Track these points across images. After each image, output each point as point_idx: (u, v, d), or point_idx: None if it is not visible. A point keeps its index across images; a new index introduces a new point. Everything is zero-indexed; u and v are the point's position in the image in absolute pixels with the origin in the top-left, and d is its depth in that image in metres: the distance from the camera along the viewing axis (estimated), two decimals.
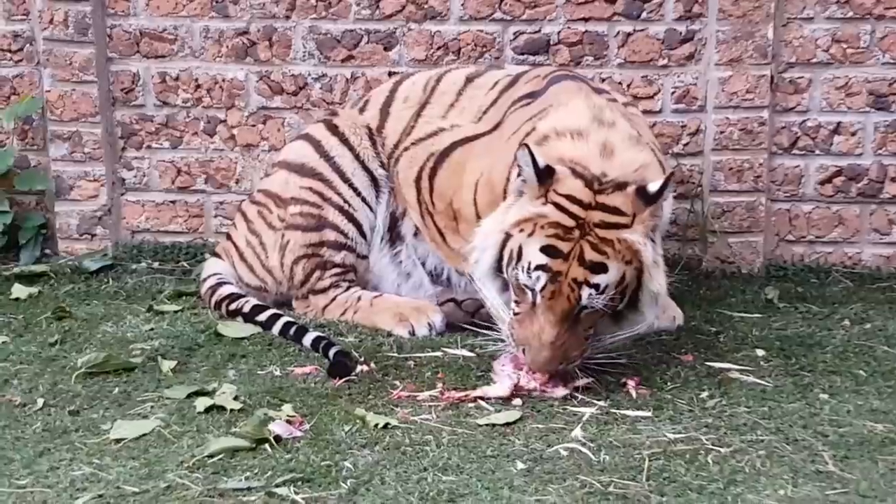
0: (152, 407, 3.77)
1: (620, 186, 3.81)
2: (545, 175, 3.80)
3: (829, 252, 5.44)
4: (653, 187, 3.78)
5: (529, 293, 3.78)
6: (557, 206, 3.78)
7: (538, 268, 3.74)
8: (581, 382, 3.86)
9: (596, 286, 3.72)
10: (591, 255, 3.73)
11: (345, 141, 4.83)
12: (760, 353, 4.27)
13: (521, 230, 3.82)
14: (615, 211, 3.77)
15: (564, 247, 3.74)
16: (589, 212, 3.76)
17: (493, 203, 4.21)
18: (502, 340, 3.97)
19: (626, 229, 3.77)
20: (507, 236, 3.86)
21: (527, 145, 3.81)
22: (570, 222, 3.76)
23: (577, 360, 3.81)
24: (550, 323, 3.73)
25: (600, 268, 3.72)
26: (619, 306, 3.83)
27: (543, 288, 3.73)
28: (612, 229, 3.76)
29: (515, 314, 3.86)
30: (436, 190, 4.63)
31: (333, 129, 4.87)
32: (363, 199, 4.79)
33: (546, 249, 3.75)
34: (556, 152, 3.90)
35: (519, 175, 3.87)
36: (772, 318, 4.73)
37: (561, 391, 3.82)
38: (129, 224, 5.65)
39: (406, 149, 4.75)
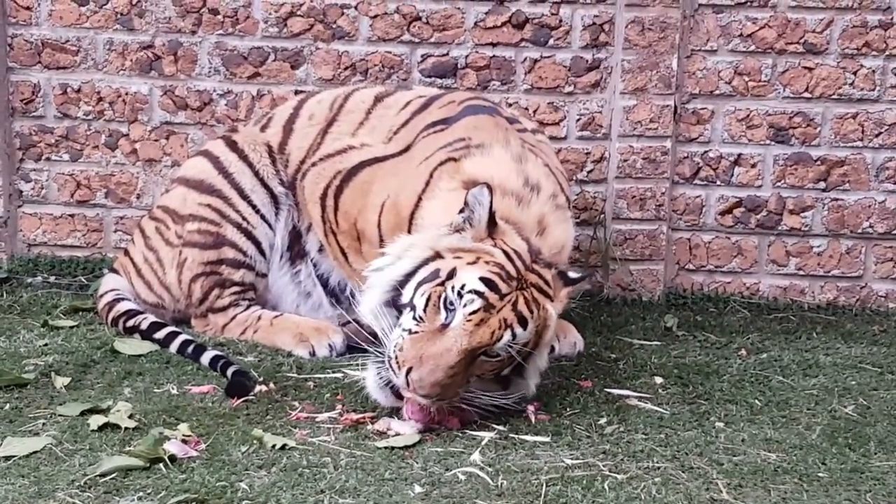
0: (44, 424, 3.69)
1: (547, 265, 3.88)
2: (493, 222, 3.80)
3: (727, 282, 5.51)
4: (574, 274, 3.92)
5: (444, 314, 3.65)
6: (507, 254, 3.77)
7: (473, 291, 3.65)
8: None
9: (515, 335, 3.69)
10: (522, 307, 3.72)
11: (244, 158, 4.79)
12: (659, 380, 4.31)
13: (459, 257, 3.76)
14: (546, 282, 3.83)
15: (504, 288, 3.69)
16: (527, 272, 3.79)
17: (397, 226, 4.21)
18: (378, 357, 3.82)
19: (551, 302, 3.83)
20: (437, 255, 3.79)
21: (488, 186, 3.77)
22: (513, 272, 3.74)
23: (449, 399, 3.70)
24: (459, 349, 3.60)
25: (524, 322, 3.72)
26: (503, 369, 3.80)
27: (474, 312, 3.63)
28: (543, 295, 3.80)
29: (412, 332, 3.70)
30: (340, 209, 4.60)
31: (233, 146, 4.83)
32: (262, 217, 4.75)
33: (487, 281, 3.68)
34: (503, 211, 3.88)
35: (462, 212, 3.81)
36: (671, 346, 4.78)
37: (468, 416, 3.81)
38: (26, 237, 5.55)
39: (314, 164, 4.71)
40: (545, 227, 3.96)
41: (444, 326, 3.65)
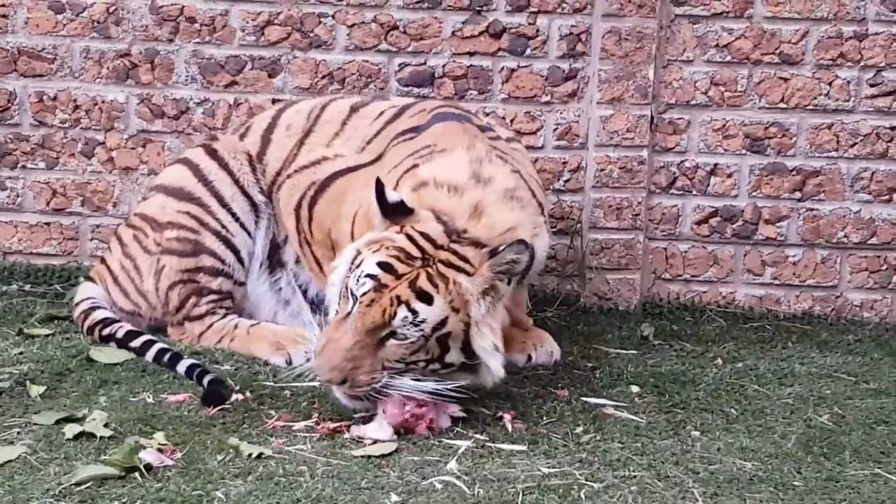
0: (19, 433, 3.68)
1: (476, 244, 3.84)
2: (392, 211, 3.85)
3: (703, 291, 5.52)
4: (500, 248, 3.80)
5: (351, 301, 3.76)
6: (410, 237, 3.82)
7: (367, 275, 3.75)
8: (456, 410, 3.87)
9: (414, 312, 3.71)
10: (423, 282, 3.74)
11: (224, 166, 4.78)
12: (635, 389, 4.32)
13: (370, 248, 3.84)
14: (463, 259, 3.80)
15: (401, 268, 3.76)
16: (439, 251, 3.80)
17: None
18: None
19: (465, 275, 3.78)
20: (358, 253, 3.88)
21: (378, 179, 3.87)
22: (415, 252, 3.79)
23: (362, 387, 3.72)
24: (354, 330, 3.70)
25: (426, 297, 3.73)
26: (443, 356, 3.79)
27: (365, 294, 3.72)
28: (453, 269, 3.78)
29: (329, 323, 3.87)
30: (315, 219, 4.61)
31: (212, 154, 4.83)
32: (242, 225, 4.75)
33: (382, 264, 3.76)
34: (430, 201, 3.92)
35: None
36: (647, 355, 4.79)
37: (444, 422, 3.83)
38: (1, 245, 5.52)
39: (289, 176, 4.73)
40: (481, 210, 3.91)
41: (349, 314, 3.76)
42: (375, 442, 3.68)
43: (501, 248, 3.77)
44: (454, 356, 3.80)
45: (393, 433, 3.73)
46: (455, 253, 3.80)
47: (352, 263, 3.88)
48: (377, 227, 3.93)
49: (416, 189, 3.98)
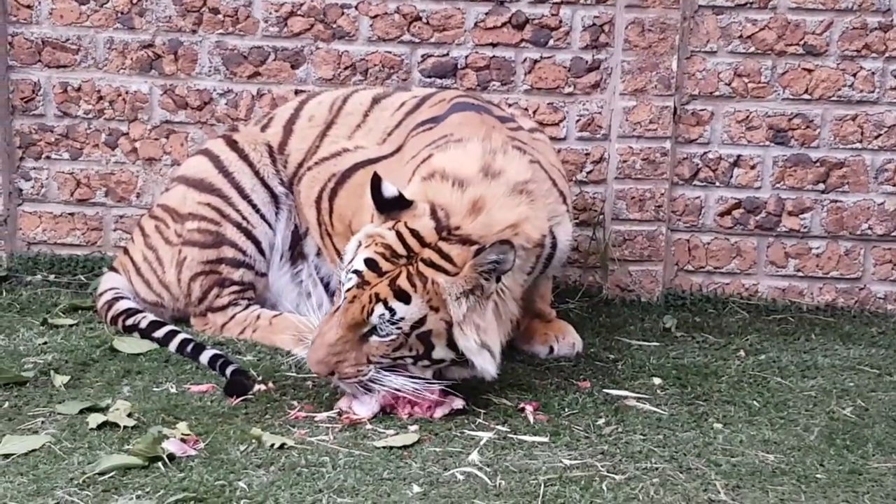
0: (43, 422, 3.70)
1: (465, 241, 3.81)
2: (390, 205, 3.86)
3: (726, 283, 5.51)
4: (486, 247, 3.77)
5: (342, 297, 3.81)
6: (399, 234, 3.82)
7: (354, 272, 3.80)
8: (458, 404, 3.88)
9: (391, 310, 3.73)
10: (402, 281, 3.76)
11: (244, 157, 4.80)
12: (657, 381, 4.31)
13: (366, 242, 3.86)
14: (447, 258, 3.79)
15: (385, 266, 3.78)
16: (424, 249, 3.80)
17: None
18: None
19: (444, 274, 3.77)
20: (359, 244, 3.90)
21: (376, 173, 3.88)
22: (402, 251, 3.80)
23: (350, 378, 3.77)
24: (338, 325, 3.76)
25: (404, 296, 3.75)
26: (429, 352, 3.80)
27: (349, 290, 3.78)
28: (433, 269, 3.78)
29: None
30: (335, 211, 4.61)
31: (233, 145, 4.84)
32: (262, 216, 4.76)
33: (368, 261, 3.79)
34: (433, 194, 3.91)
35: None
36: (669, 347, 4.78)
37: (439, 412, 3.85)
38: (26, 235, 5.55)
39: (309, 168, 4.74)
40: (481, 207, 3.87)
41: (338, 308, 3.83)
42: (398, 433, 3.69)
43: (484, 248, 3.75)
44: (441, 353, 3.82)
45: (377, 410, 3.82)
46: (439, 251, 3.80)
47: (353, 255, 3.90)
48: (375, 220, 3.95)
49: (425, 179, 3.99)
